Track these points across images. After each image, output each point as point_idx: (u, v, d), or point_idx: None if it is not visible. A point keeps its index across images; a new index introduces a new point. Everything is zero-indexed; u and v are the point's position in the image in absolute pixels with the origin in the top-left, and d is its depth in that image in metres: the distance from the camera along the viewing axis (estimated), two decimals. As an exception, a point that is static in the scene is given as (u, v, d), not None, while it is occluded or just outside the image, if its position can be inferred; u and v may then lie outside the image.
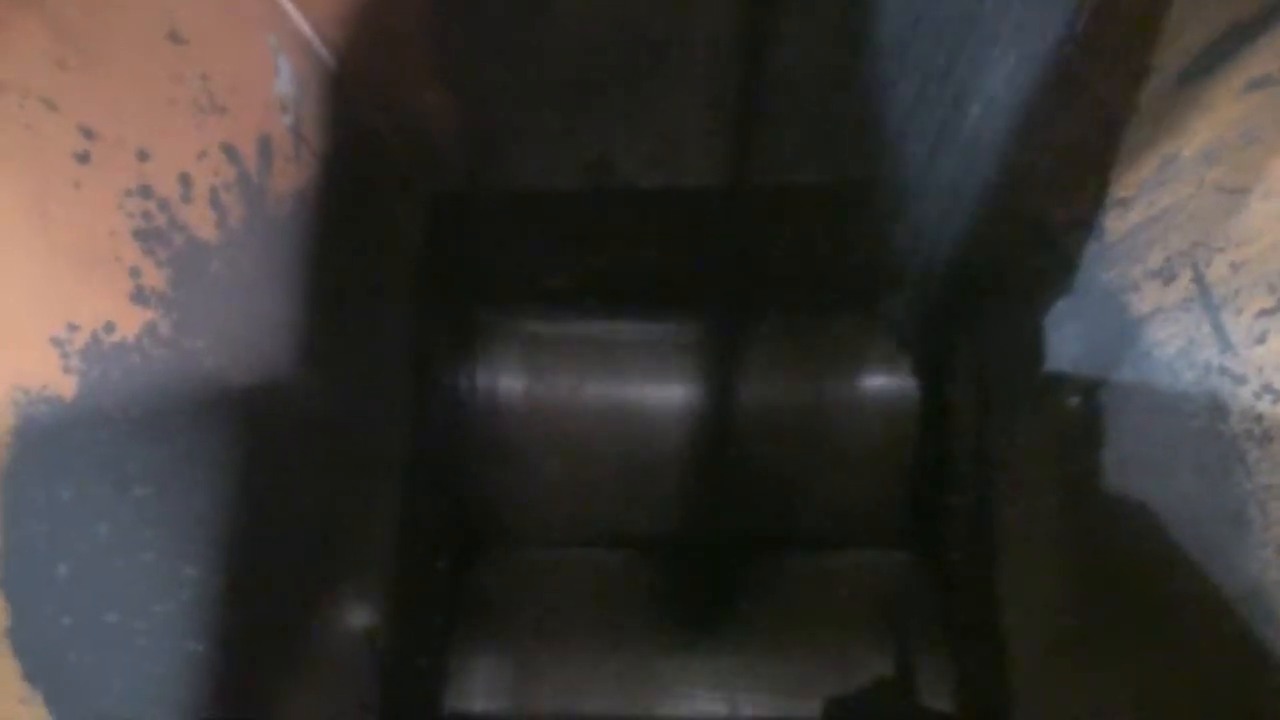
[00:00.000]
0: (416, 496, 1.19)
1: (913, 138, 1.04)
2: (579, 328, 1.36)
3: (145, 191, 0.69)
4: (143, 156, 0.69)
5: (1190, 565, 0.82)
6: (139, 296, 0.69)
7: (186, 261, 0.74)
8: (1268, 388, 0.75)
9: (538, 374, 1.34)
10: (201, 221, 0.76)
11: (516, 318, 1.36)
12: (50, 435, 0.61)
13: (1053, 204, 1.02)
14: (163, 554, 0.73)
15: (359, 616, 1.08)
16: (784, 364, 1.33)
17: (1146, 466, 0.91)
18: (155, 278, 0.71)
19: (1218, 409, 0.80)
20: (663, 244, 1.29)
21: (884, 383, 1.32)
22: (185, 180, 0.74)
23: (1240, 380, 0.78)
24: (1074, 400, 1.01)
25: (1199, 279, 0.82)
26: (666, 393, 1.33)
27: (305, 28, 0.90)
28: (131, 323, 0.69)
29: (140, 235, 0.69)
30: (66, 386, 0.62)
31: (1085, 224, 0.96)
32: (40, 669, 0.60)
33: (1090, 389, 0.99)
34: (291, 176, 0.90)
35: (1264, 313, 0.76)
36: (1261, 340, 0.76)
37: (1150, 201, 0.89)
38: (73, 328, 0.63)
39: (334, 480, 1.02)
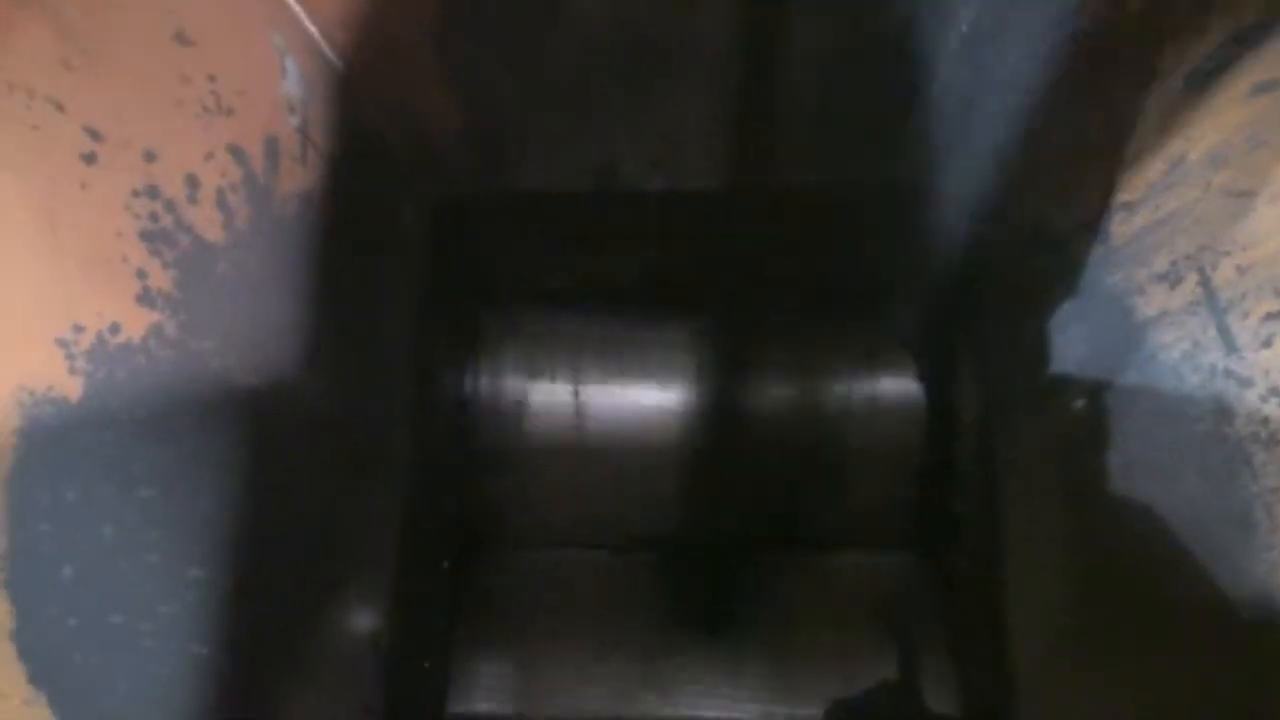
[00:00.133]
0: (418, 497, 1.18)
1: (916, 140, 1.04)
2: (580, 328, 1.36)
3: (152, 192, 0.69)
4: (149, 157, 0.69)
5: (1195, 568, 0.82)
6: (145, 297, 0.69)
7: (193, 262, 0.74)
8: (1274, 391, 0.75)
9: (539, 374, 1.34)
10: (208, 222, 0.76)
11: (518, 318, 1.36)
12: (55, 436, 0.61)
13: (1058, 207, 1.02)
14: (168, 555, 0.72)
15: (362, 618, 1.07)
16: (784, 365, 1.33)
17: (1151, 470, 0.91)
18: (161, 279, 0.71)
19: (1223, 412, 0.80)
20: (664, 245, 1.29)
21: (886, 384, 1.31)
22: (192, 181, 0.74)
23: (1246, 383, 0.78)
24: (1079, 403, 1.01)
25: (1205, 282, 0.82)
26: (667, 393, 1.33)
27: (312, 29, 0.90)
28: (137, 324, 0.68)
29: (146, 236, 0.69)
30: (72, 388, 0.62)
31: (1090, 227, 0.96)
32: (45, 671, 0.60)
33: (1095, 392, 0.99)
34: (297, 177, 0.89)
35: (1270, 316, 0.76)
36: (1267, 343, 0.76)
37: (1156, 205, 0.89)
38: (78, 329, 0.63)
39: (336, 481, 1.02)
